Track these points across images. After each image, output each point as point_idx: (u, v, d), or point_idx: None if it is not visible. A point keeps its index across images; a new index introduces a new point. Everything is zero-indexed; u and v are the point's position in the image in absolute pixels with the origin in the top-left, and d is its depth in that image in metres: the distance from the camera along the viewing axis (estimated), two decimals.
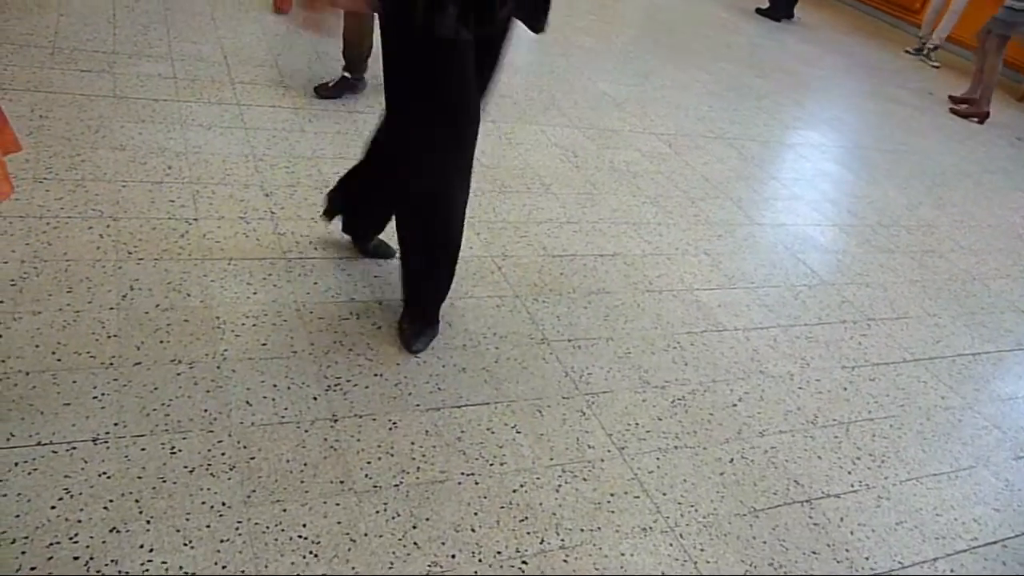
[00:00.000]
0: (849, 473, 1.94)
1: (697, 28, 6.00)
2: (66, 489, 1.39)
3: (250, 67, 3.20)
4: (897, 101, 5.54)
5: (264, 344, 1.83)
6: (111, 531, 1.35)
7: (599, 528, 1.60)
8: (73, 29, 3.13)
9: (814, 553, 1.69)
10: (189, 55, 3.17)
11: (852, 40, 7.04)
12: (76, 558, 1.29)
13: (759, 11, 7.08)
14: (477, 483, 1.62)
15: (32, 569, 1.26)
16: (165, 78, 2.94)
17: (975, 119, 5.53)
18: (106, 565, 1.29)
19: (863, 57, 6.52)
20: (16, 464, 1.41)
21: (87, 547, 1.31)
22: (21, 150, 1.46)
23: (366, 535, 1.46)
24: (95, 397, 1.58)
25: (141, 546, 1.33)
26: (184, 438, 1.54)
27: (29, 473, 1.40)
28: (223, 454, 1.53)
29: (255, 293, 1.98)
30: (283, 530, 1.42)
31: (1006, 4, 5.29)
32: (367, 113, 3.05)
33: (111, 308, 1.81)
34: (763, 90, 4.88)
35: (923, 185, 4.05)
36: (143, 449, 1.50)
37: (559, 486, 1.67)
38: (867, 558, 1.72)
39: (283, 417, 1.65)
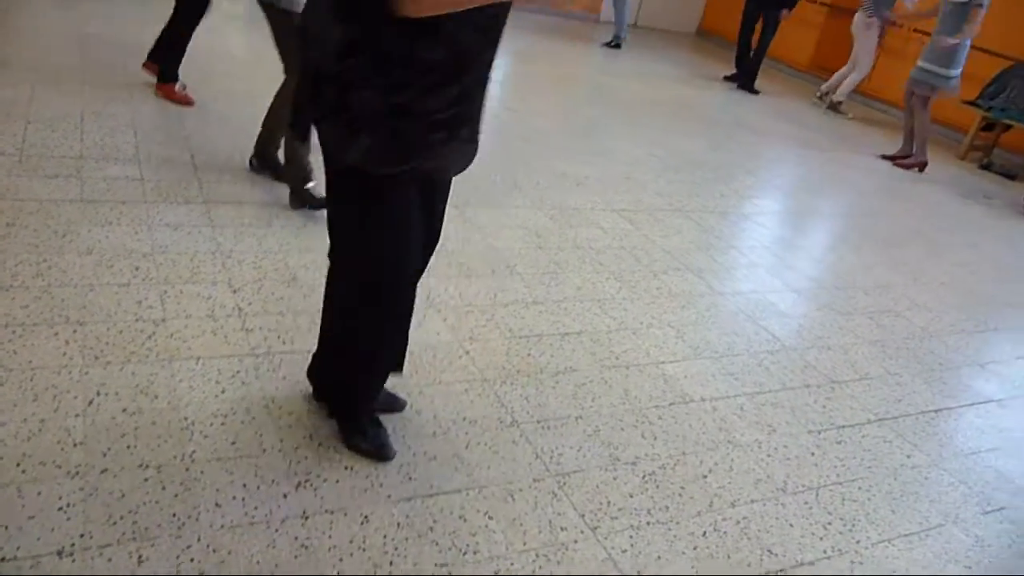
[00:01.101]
0: (821, 539, 1.96)
1: (650, 103, 6.24)
2: None
3: (216, 165, 3.27)
4: (848, 165, 5.76)
5: (233, 443, 1.83)
6: None
7: None
8: (41, 136, 3.19)
9: None
10: (156, 156, 3.24)
11: (802, 107, 7.35)
12: None
13: (726, 78, 7.53)
14: (451, 575, 1.62)
15: None
16: (132, 180, 2.99)
17: (915, 168, 5.90)
18: None
19: (813, 123, 6.79)
20: None
21: None
22: None
23: None
24: (60, 508, 1.57)
25: None
26: (152, 545, 1.53)
27: None
28: (192, 560, 1.52)
29: (223, 391, 1.99)
30: None
31: (918, 65, 5.71)
32: None
33: (77, 415, 1.81)
34: (718, 162, 5.06)
35: (876, 246, 4.19)
36: (109, 560, 1.48)
37: (533, 572, 1.67)
38: None
39: (253, 517, 1.64)
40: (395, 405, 2.03)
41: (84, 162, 3.06)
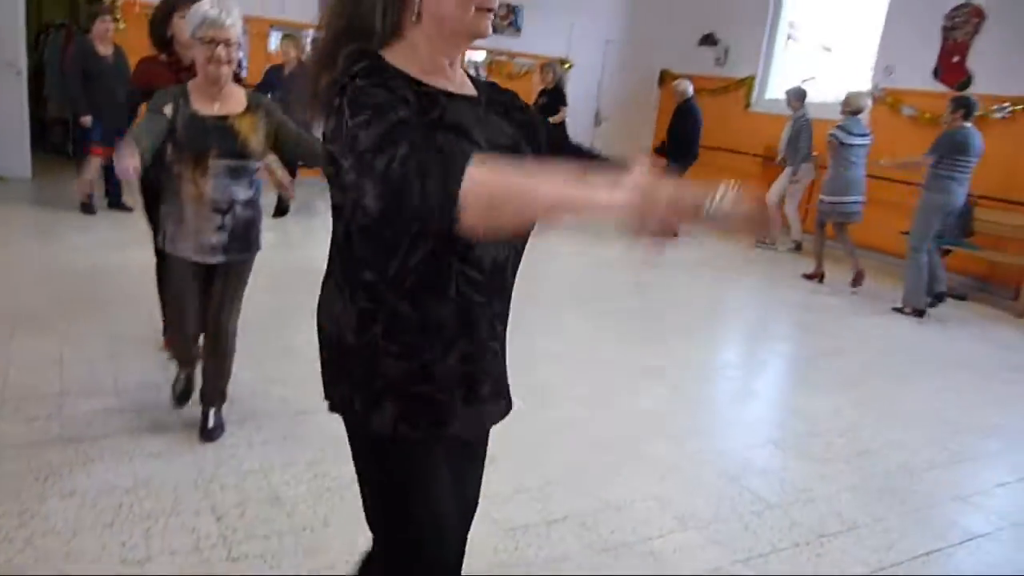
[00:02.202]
0: None
1: (580, 277, 6.52)
2: None
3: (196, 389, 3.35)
4: (804, 307, 6.00)
5: None
6: None
7: None
8: (20, 377, 3.27)
9: None
10: (135, 385, 3.32)
11: (734, 254, 7.71)
12: None
13: None
14: None
15: None
16: (112, 412, 3.05)
17: (858, 282, 6.51)
18: None
19: (750, 270, 7.11)
20: None
21: None
22: None
23: None
24: None
25: None
26: None
27: None
28: None
29: None
30: None
31: (820, 198, 6.54)
32: (309, 413, 3.18)
33: None
34: (675, 324, 5.25)
35: (840, 386, 4.31)
36: None
37: None
38: None
39: None
40: None
41: (64, 398, 3.12)
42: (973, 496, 3.15)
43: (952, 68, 7.30)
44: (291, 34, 7.38)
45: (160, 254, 3.07)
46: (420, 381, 1.32)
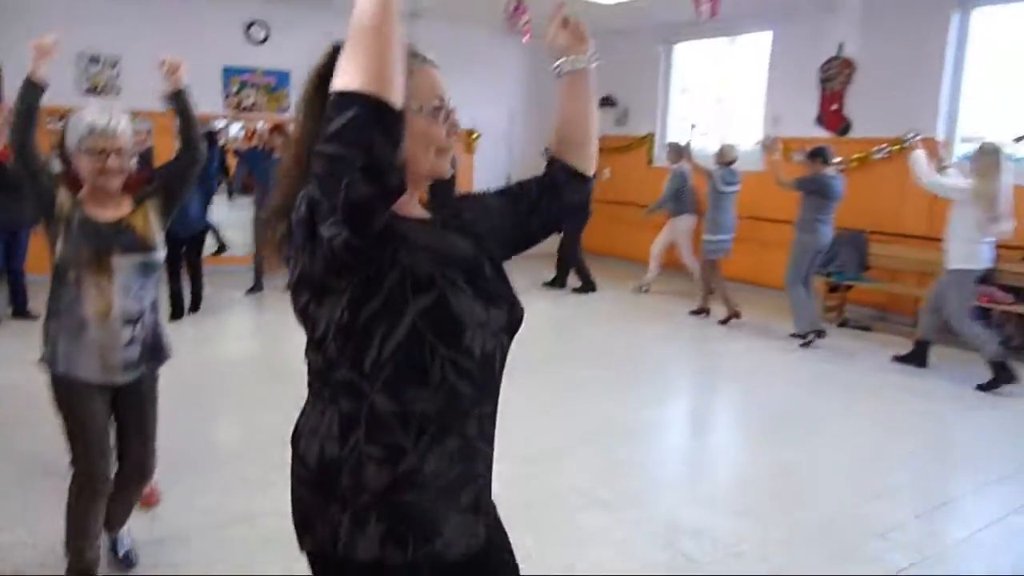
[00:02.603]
0: None
1: None
2: None
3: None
4: (711, 353, 6.20)
5: None
6: None
7: None
8: None
9: None
10: (49, 515, 3.17)
11: (634, 298, 7.95)
12: None
13: (576, 290, 8.24)
14: None
15: None
16: (22, 546, 2.90)
17: (734, 318, 7.00)
18: None
19: (655, 314, 7.34)
20: None
21: None
22: None
23: None
24: None
25: None
26: None
27: None
28: None
29: None
30: None
31: (704, 238, 7.06)
32: (236, 524, 3.09)
33: None
34: (592, 380, 5.34)
35: (760, 432, 4.45)
36: None
37: None
38: None
39: None
40: None
41: None
42: (891, 532, 3.28)
43: (832, 115, 7.82)
44: None
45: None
46: (405, 488, 1.24)
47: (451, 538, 1.27)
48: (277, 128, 7.65)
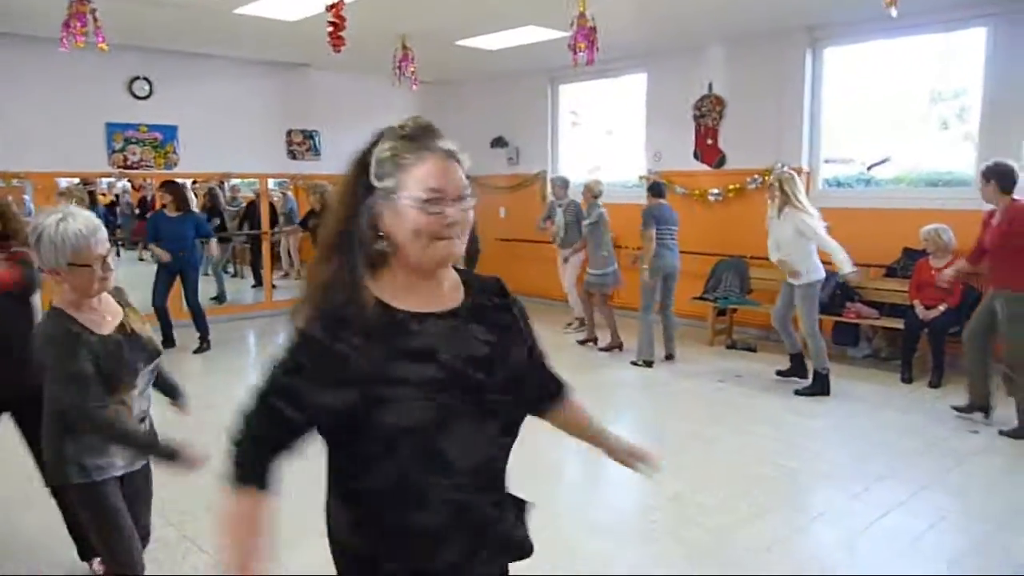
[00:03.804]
0: None
1: None
2: None
3: None
4: (598, 384, 6.46)
5: None
6: None
7: None
8: None
9: None
10: None
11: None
12: None
13: None
14: None
15: None
16: None
17: (616, 349, 7.46)
18: None
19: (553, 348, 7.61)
20: None
21: None
22: None
23: None
24: None
25: None
26: None
27: None
28: None
29: None
30: None
31: (588, 271, 7.52)
32: None
33: None
34: None
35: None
36: None
37: None
38: None
39: None
40: None
41: None
42: (774, 545, 3.54)
43: (708, 149, 8.32)
44: None
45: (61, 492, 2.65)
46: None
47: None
48: (164, 185, 7.54)
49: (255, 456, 1.36)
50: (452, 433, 1.33)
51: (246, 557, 1.34)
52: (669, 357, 7.04)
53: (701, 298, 7.78)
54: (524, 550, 1.54)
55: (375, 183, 1.35)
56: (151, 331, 2.55)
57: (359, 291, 1.33)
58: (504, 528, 1.47)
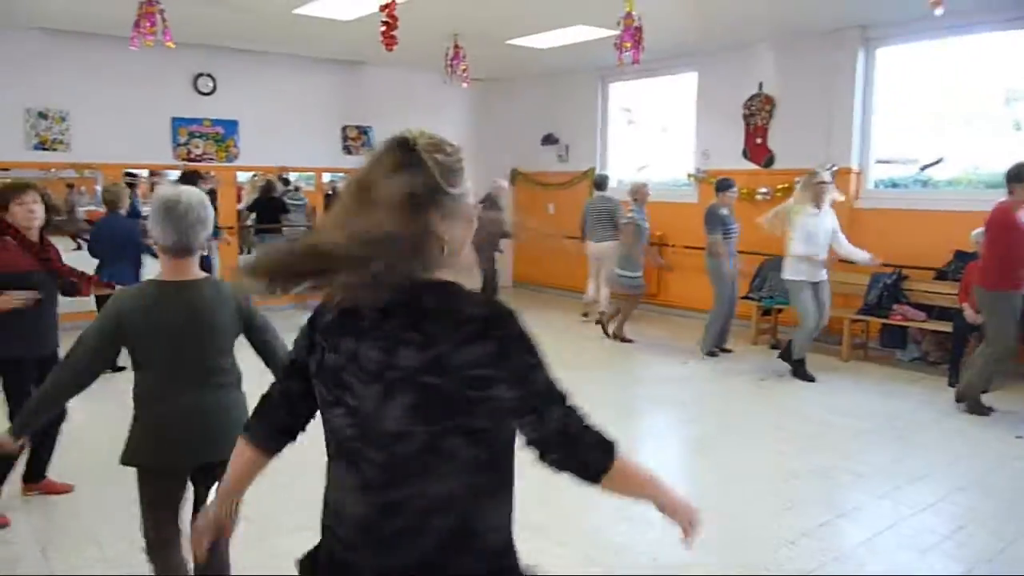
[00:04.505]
0: None
1: None
2: None
3: None
4: (637, 376, 6.52)
5: None
6: None
7: None
8: None
9: None
10: None
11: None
12: None
13: None
14: None
15: None
16: None
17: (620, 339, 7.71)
18: None
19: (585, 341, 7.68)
20: None
21: None
22: None
23: None
24: None
25: None
26: None
27: None
28: None
29: None
30: None
31: (635, 275, 7.55)
32: None
33: None
34: None
35: (696, 449, 4.75)
36: None
37: None
38: None
39: None
40: None
41: None
42: (800, 539, 3.59)
43: (757, 149, 8.30)
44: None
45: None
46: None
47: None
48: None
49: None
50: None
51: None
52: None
53: (746, 297, 7.77)
54: None
55: (450, 190, 1.33)
56: None
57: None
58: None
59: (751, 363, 6.96)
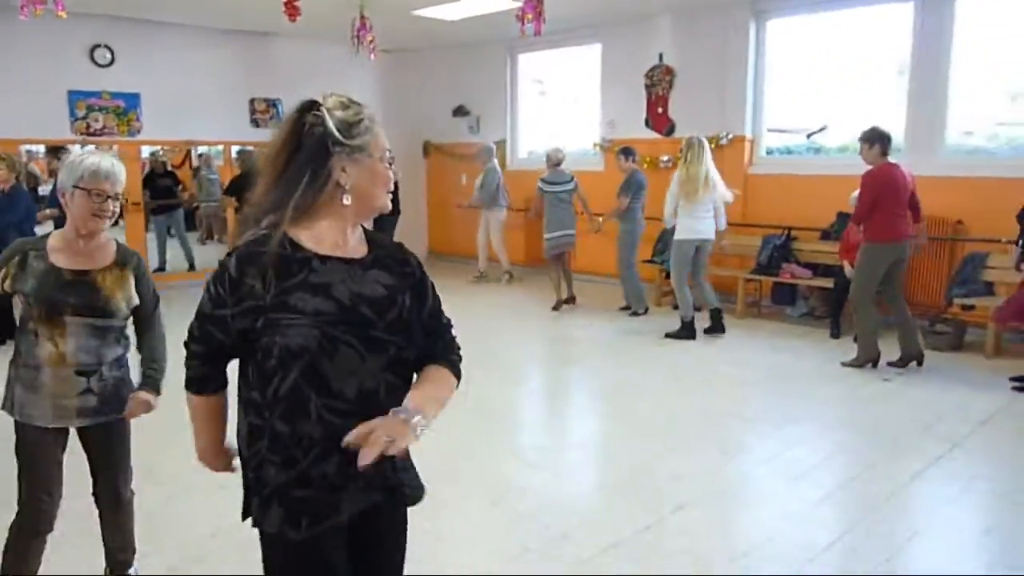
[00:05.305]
0: None
1: None
2: None
3: None
4: (566, 339, 6.81)
5: None
6: None
7: None
8: None
9: None
10: None
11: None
12: None
13: None
14: None
15: None
16: None
17: (568, 303, 7.94)
18: None
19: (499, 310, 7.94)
20: None
21: None
22: None
23: None
24: None
25: None
26: None
27: None
28: None
29: None
30: None
31: (545, 237, 7.80)
32: None
33: None
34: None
35: (592, 404, 5.05)
36: None
37: None
38: None
39: None
40: None
41: None
42: (687, 476, 3.93)
43: (658, 118, 8.64)
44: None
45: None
46: (299, 487, 1.55)
47: (345, 508, 1.59)
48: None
49: (201, 368, 1.69)
50: (335, 360, 1.53)
51: (208, 439, 1.79)
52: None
53: (650, 261, 8.14)
54: (403, 494, 1.71)
55: (345, 141, 1.54)
56: (123, 295, 2.49)
57: (278, 233, 1.55)
58: (382, 466, 1.55)
59: (655, 323, 7.33)
